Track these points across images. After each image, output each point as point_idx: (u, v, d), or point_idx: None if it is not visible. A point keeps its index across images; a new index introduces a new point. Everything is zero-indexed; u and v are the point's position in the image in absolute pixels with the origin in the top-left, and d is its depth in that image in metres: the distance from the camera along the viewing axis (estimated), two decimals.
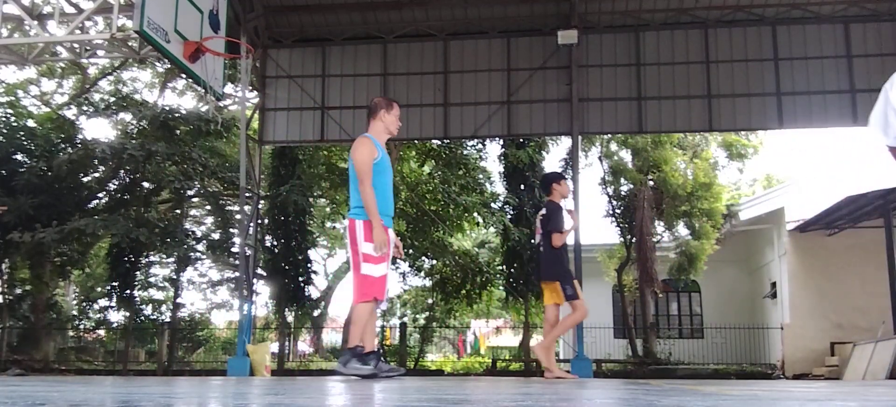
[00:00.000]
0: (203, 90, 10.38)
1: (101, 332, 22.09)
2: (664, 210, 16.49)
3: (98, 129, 56.31)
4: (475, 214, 16.81)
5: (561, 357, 20.73)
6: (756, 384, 5.82)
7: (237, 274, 14.47)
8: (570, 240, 12.86)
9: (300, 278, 17.14)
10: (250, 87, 13.84)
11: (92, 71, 19.45)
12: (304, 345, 27.41)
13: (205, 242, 18.64)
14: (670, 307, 20.27)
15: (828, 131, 33.76)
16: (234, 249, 16.95)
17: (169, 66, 15.51)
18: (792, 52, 12.44)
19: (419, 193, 17.27)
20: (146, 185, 17.67)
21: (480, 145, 17.62)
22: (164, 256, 18.87)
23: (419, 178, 18.37)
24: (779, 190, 17.41)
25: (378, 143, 5.19)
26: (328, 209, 21.43)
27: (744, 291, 18.91)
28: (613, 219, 17.17)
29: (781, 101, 12.36)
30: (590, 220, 16.07)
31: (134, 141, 15.84)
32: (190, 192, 18.12)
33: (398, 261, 5.01)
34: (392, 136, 5.46)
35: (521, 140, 16.47)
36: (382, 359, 5.19)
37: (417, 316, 22.56)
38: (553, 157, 44.13)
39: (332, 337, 27.07)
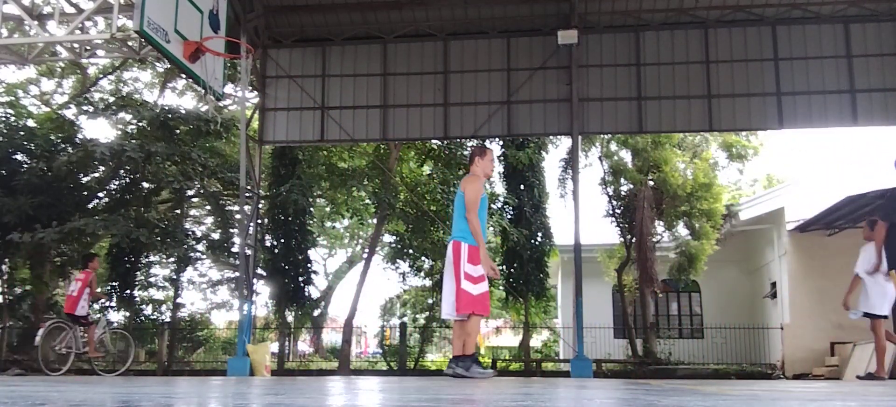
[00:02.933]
0: (203, 90, 10.38)
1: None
2: (664, 210, 16.48)
3: (98, 130, 56.38)
4: None
5: (561, 356, 20.75)
6: (756, 384, 5.82)
7: (237, 274, 14.46)
8: (570, 239, 12.91)
9: (300, 278, 17.14)
10: (250, 87, 13.83)
11: (92, 71, 19.45)
12: (304, 345, 27.40)
13: (205, 242, 18.63)
14: (670, 307, 20.26)
15: (828, 131, 33.79)
16: (234, 249, 16.95)
17: (169, 66, 15.50)
18: (792, 52, 12.44)
19: (419, 194, 17.27)
20: (146, 185, 17.66)
21: None
22: (164, 256, 18.86)
23: (419, 179, 18.36)
24: (779, 190, 17.41)
25: (482, 183, 6.05)
26: (328, 209, 21.43)
27: (744, 291, 18.91)
28: (613, 219, 17.17)
29: (781, 101, 12.36)
30: (590, 220, 16.06)
31: (133, 141, 15.84)
32: (190, 192, 18.12)
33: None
34: (488, 177, 6.31)
35: (521, 141, 16.47)
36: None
37: (417, 316, 22.55)
38: (553, 158, 44.24)
39: (331, 337, 27.07)
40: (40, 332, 10.14)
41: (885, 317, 7.88)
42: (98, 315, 11.18)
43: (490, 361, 19.87)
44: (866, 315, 7.97)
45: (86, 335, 10.50)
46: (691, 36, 12.69)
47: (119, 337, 11.19)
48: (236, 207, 16.47)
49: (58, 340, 10.21)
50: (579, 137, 13.18)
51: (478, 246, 5.77)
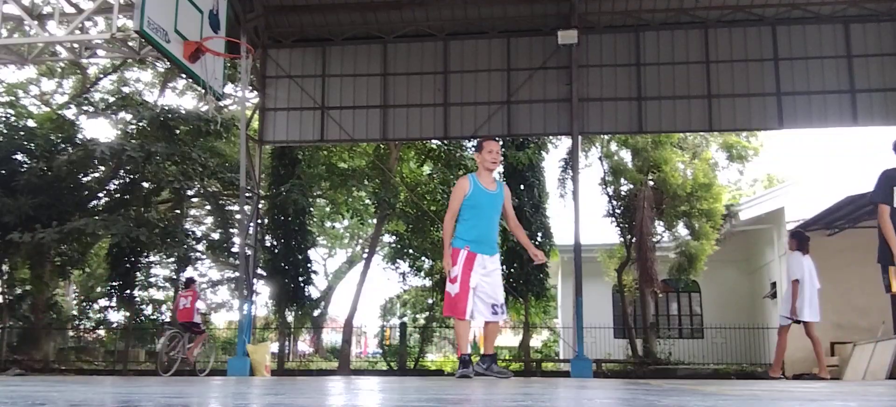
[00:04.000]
0: (203, 90, 10.38)
1: (101, 332, 22.10)
2: (664, 210, 16.48)
3: (98, 129, 56.38)
4: None
5: (561, 356, 20.75)
6: (756, 384, 5.82)
7: (237, 274, 14.46)
8: (570, 239, 12.92)
9: (300, 278, 17.14)
10: (250, 87, 13.84)
11: (92, 71, 19.46)
12: (304, 345, 27.39)
13: (205, 241, 18.62)
14: (670, 307, 20.26)
15: (828, 131, 33.78)
16: (234, 249, 16.95)
17: (169, 66, 15.51)
18: (792, 52, 12.44)
19: (419, 194, 17.27)
20: (146, 185, 17.67)
21: None
22: (164, 256, 18.86)
23: (419, 179, 18.36)
24: (779, 190, 17.41)
25: (476, 181, 5.71)
26: (328, 209, 21.43)
27: (744, 291, 18.90)
28: (613, 219, 17.16)
29: (781, 101, 12.36)
30: (590, 220, 16.10)
31: (134, 141, 15.84)
32: (190, 193, 18.12)
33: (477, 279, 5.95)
34: (490, 170, 5.78)
35: (521, 141, 16.48)
36: (494, 361, 5.80)
37: (417, 316, 22.55)
38: (553, 158, 44.30)
39: (331, 337, 27.07)
40: (162, 339, 11.67)
41: (798, 322, 8.54)
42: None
43: None
44: (790, 319, 8.61)
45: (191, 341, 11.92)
46: (691, 36, 12.68)
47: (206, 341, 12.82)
48: (236, 207, 16.47)
49: (172, 347, 11.55)
50: (579, 137, 13.18)
51: (459, 247, 5.56)
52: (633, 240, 16.43)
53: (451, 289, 5.52)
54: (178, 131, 16.49)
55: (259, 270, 16.30)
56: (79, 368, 17.59)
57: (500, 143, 5.96)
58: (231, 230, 17.70)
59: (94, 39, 12.12)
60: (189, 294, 12.03)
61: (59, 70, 19.68)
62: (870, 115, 12.24)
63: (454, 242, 5.63)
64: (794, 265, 8.46)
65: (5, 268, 17.36)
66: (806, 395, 2.85)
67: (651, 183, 16.31)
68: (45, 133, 16.65)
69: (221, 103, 17.24)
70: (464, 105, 12.99)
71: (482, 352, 6.07)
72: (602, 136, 16.32)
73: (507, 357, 21.57)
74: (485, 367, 5.76)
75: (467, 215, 5.63)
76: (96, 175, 17.61)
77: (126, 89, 19.39)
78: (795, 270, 8.42)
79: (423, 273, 18.88)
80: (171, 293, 20.36)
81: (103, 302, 20.39)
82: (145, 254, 18.24)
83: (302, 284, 17.26)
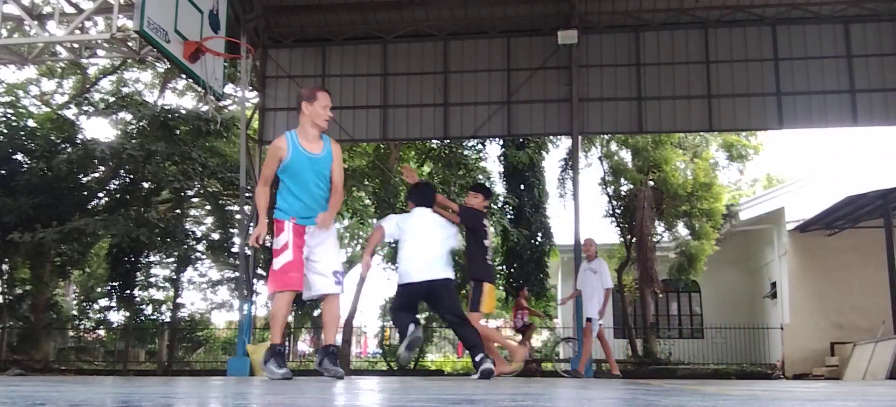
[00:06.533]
0: (203, 90, 10.38)
1: (101, 332, 22.10)
2: (664, 210, 16.49)
3: (98, 129, 56.36)
4: None
5: (561, 356, 20.73)
6: (756, 384, 5.82)
7: (237, 274, 14.46)
8: (570, 239, 12.94)
9: None
10: (250, 87, 13.84)
11: (92, 71, 19.45)
12: (303, 345, 27.39)
13: (205, 241, 18.62)
14: (670, 307, 20.26)
15: (828, 131, 33.79)
16: (234, 249, 16.94)
17: (169, 66, 15.50)
18: (792, 52, 12.44)
19: None
20: (146, 185, 17.67)
21: (480, 146, 17.62)
22: (164, 256, 18.86)
23: (419, 179, 18.34)
24: (779, 190, 17.41)
25: (295, 141, 4.79)
26: None
27: (744, 291, 18.90)
28: (613, 219, 17.17)
29: (781, 101, 12.36)
30: (590, 220, 16.20)
31: (134, 141, 15.84)
32: (190, 193, 18.11)
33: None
34: (321, 126, 4.94)
35: (521, 141, 16.48)
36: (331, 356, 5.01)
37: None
38: (553, 158, 44.28)
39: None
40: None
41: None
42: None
43: None
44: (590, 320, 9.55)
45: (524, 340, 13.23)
46: (691, 36, 12.68)
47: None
48: (236, 207, 16.47)
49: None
50: (579, 137, 13.19)
51: (283, 219, 4.80)
52: (633, 240, 16.44)
53: (281, 259, 4.74)
54: (178, 131, 16.49)
55: (259, 270, 16.30)
56: (79, 368, 17.59)
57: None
58: (231, 230, 17.70)
59: (94, 39, 12.12)
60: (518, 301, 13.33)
61: (59, 70, 19.67)
62: (870, 115, 12.24)
63: (276, 213, 4.80)
64: (606, 273, 9.47)
65: (5, 268, 17.35)
66: (806, 395, 2.85)
67: (651, 183, 16.32)
68: (45, 133, 16.65)
69: (221, 103, 17.24)
70: (464, 105, 13.00)
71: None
72: (602, 135, 16.32)
73: (506, 357, 21.54)
74: (318, 361, 5.04)
75: (290, 184, 4.78)
76: (96, 175, 17.60)
77: (126, 89, 19.39)
78: (608, 279, 9.47)
79: None
80: (172, 293, 20.38)
81: (103, 302, 20.39)
82: (145, 254, 18.24)
83: None
